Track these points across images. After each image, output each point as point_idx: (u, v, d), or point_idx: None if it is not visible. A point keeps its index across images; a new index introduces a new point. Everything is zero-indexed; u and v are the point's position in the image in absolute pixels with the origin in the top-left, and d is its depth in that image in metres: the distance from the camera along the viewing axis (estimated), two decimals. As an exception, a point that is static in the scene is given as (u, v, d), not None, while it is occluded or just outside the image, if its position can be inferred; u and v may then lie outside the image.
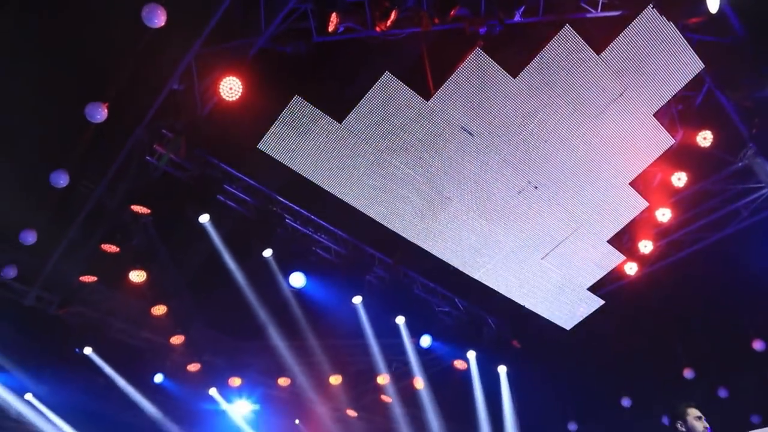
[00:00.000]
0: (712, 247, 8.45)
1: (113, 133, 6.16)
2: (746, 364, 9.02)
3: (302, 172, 6.46)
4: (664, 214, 7.82)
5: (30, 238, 6.48)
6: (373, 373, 10.12)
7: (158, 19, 4.60)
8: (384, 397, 10.74)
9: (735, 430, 9.55)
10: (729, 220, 8.33)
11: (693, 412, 4.22)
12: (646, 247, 8.19)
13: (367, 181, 6.65)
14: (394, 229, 7.17)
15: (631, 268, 8.45)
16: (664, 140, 6.97)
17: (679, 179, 7.55)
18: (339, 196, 6.73)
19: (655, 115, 6.77)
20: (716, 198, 8.28)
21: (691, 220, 8.44)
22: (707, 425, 4.21)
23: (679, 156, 7.46)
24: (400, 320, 9.19)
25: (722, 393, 9.36)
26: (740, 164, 7.80)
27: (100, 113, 5.31)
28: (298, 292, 8.45)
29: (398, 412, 10.60)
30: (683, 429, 4.21)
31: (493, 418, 10.13)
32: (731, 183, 8.13)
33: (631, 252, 8.29)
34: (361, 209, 6.88)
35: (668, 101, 6.81)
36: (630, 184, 7.34)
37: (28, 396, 8.44)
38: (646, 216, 7.91)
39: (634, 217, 7.66)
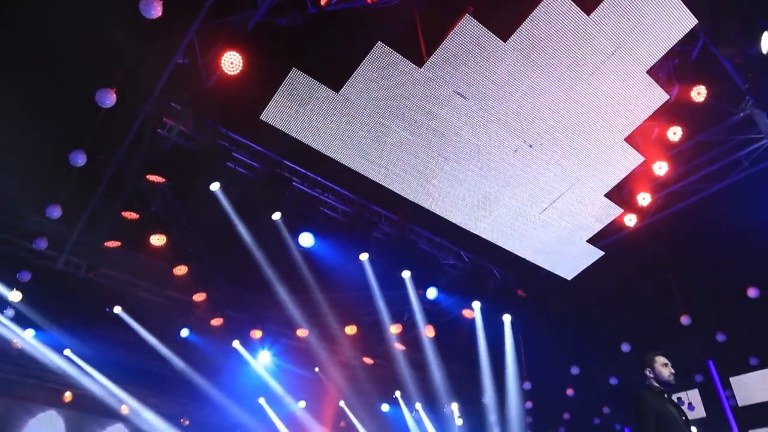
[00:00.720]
0: (712, 198, 8.55)
1: (125, 110, 6.49)
2: (743, 309, 9.25)
3: (303, 139, 6.77)
4: (660, 168, 7.92)
5: (55, 212, 6.95)
6: (386, 323, 10.61)
7: (155, 10, 4.85)
8: (397, 345, 11.31)
9: (735, 371, 9.96)
10: (730, 171, 8.38)
11: (660, 360, 4.42)
12: (644, 199, 8.32)
13: (366, 146, 6.92)
14: (395, 190, 7.48)
15: (631, 220, 8.62)
16: (658, 96, 7.04)
17: (674, 133, 7.63)
18: (339, 160, 7.03)
19: (649, 72, 6.82)
20: (717, 149, 8.33)
21: (690, 172, 8.52)
22: (673, 371, 4.44)
23: (677, 110, 7.51)
24: (406, 274, 9.60)
25: (720, 337, 9.66)
26: (741, 114, 7.81)
27: (109, 98, 5.65)
28: (309, 251, 8.84)
29: (410, 358, 11.18)
30: (651, 375, 4.41)
31: (497, 363, 10.64)
32: (732, 134, 8.16)
33: (629, 205, 8.45)
34: (362, 172, 7.18)
35: (664, 57, 6.84)
36: (626, 139, 7.47)
37: (67, 351, 9.22)
38: (644, 169, 8.03)
39: (630, 171, 7.81)
